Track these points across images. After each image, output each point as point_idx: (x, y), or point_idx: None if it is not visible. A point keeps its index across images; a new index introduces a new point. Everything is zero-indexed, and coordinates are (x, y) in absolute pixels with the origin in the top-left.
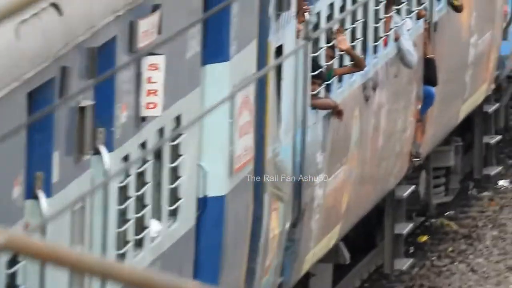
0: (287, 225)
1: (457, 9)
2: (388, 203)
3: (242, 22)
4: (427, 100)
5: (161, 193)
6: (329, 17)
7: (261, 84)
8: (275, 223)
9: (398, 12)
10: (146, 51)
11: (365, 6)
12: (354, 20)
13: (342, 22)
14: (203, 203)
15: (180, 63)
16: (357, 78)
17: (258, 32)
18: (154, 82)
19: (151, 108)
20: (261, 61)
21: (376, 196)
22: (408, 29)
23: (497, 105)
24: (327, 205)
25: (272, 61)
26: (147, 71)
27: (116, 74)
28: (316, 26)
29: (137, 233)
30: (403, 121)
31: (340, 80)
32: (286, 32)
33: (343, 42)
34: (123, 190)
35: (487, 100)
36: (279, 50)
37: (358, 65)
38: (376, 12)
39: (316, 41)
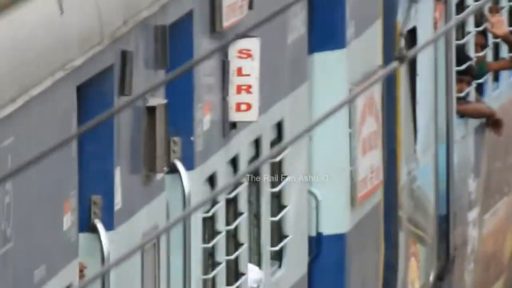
0: (431, 278)
1: None
2: None
3: None
4: None
5: (260, 229)
6: None
7: (390, 82)
8: (415, 273)
9: None
10: (236, 32)
11: None
12: None
13: None
14: (317, 243)
15: (280, 49)
16: None
17: (383, 9)
18: (247, 75)
19: (244, 110)
20: (388, 49)
21: None
22: None
23: None
24: (484, 251)
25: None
26: (236, 59)
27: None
28: (461, 5)
29: (229, 283)
30: None
31: (496, 79)
32: (419, 11)
33: (499, 26)
34: (208, 222)
35: None
36: (411, 35)
37: None
38: None
39: (462, 25)
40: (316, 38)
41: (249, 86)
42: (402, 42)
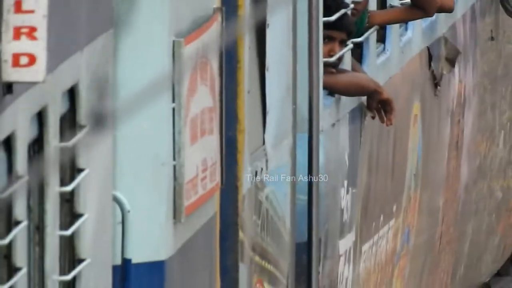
0: None
1: None
2: None
3: None
4: None
5: (44, 247)
6: None
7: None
8: None
9: None
10: None
11: None
12: None
13: None
14: (122, 274)
15: None
16: (417, 36)
17: None
18: (29, 11)
19: (25, 65)
20: None
21: None
22: None
23: None
24: None
25: None
26: None
27: None
28: None
29: None
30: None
31: (382, 38)
32: None
33: None
34: None
35: None
36: None
37: (423, 3)
38: None
39: None
40: None
41: (33, 29)
42: None
